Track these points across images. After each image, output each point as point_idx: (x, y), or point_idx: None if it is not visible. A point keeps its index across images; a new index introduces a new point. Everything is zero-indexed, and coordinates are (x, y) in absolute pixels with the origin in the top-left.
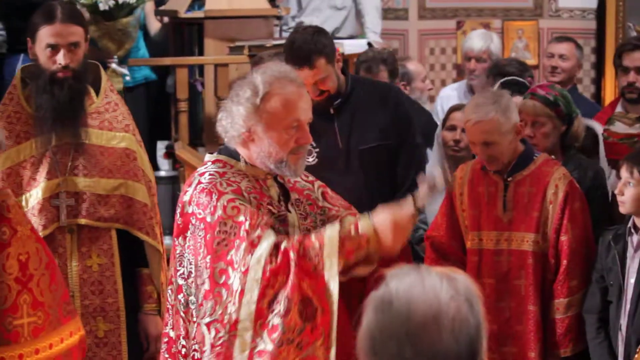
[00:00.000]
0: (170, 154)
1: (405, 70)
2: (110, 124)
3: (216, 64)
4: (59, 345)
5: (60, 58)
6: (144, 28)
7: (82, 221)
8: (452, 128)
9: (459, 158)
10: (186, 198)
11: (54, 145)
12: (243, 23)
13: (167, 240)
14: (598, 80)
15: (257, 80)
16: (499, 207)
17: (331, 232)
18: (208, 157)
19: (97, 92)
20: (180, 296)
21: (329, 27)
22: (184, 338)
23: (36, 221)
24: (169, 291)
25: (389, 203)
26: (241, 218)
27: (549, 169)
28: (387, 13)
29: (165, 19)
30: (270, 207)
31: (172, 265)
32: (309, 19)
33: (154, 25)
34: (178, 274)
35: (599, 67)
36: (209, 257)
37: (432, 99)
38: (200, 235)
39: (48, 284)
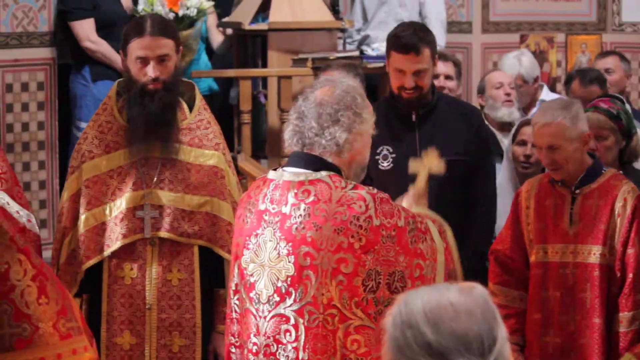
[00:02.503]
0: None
1: (482, 81)
2: (200, 141)
3: (280, 76)
4: None
5: (150, 70)
6: (206, 41)
7: (164, 235)
8: (523, 143)
9: (529, 174)
10: (371, 212)
11: (142, 158)
12: (307, 35)
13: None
14: None
15: (359, 89)
16: (565, 220)
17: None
18: (315, 173)
19: (191, 110)
20: (371, 310)
21: None
22: (375, 351)
23: (117, 230)
24: (309, 318)
25: (461, 219)
26: (411, 213)
27: (617, 182)
28: (451, 26)
29: (229, 31)
30: None
31: (350, 285)
32: (374, 33)
33: (217, 38)
34: (367, 288)
35: None
36: (407, 258)
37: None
38: (394, 242)
39: (35, 296)
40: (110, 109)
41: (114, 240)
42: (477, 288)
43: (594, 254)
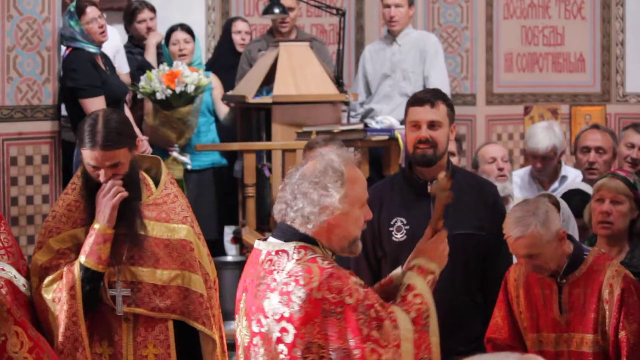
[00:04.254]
0: (237, 239)
1: (476, 156)
2: (168, 216)
3: (284, 149)
4: None
5: (102, 177)
6: (214, 113)
7: (138, 310)
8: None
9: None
10: (313, 285)
11: (114, 234)
12: (311, 108)
13: (231, 325)
14: None
15: (336, 163)
16: (555, 310)
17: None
18: (282, 244)
19: (157, 184)
20: None
21: (399, 115)
22: None
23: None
24: None
25: (476, 296)
26: (369, 301)
27: (602, 267)
28: (455, 99)
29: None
30: None
31: (290, 355)
32: (378, 107)
33: (223, 110)
34: None
35: None
36: (357, 338)
37: None
38: (339, 319)
39: None
40: (79, 188)
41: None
42: (538, 358)
43: (586, 342)
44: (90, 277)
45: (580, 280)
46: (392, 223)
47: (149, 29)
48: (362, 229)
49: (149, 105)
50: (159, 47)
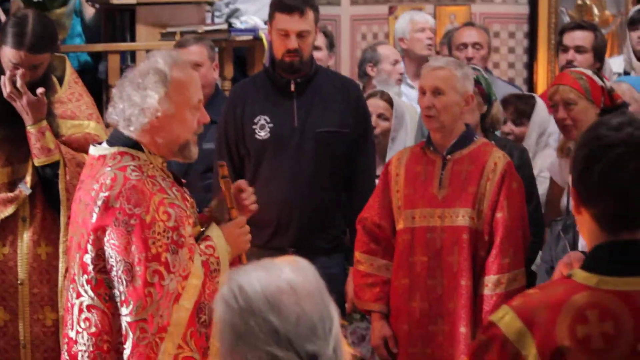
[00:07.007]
0: None
1: (374, 52)
2: (73, 113)
3: (148, 50)
4: None
5: (20, 75)
6: (80, 14)
7: (38, 209)
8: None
9: None
10: (112, 193)
11: (13, 133)
12: (175, 9)
13: None
14: (530, 65)
15: (159, 64)
16: (434, 185)
17: (221, 246)
18: (106, 149)
19: (61, 83)
20: (101, 291)
21: (264, 15)
22: (106, 333)
23: None
24: (70, 289)
25: (341, 194)
26: (172, 223)
27: (488, 149)
28: None
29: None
30: (186, 194)
31: (80, 261)
32: (244, 6)
33: (89, 12)
34: (97, 268)
35: (532, 52)
36: (142, 254)
37: None
38: (129, 231)
39: None
40: None
41: None
42: (303, 262)
43: (462, 216)
44: (49, 170)
45: (465, 158)
46: (255, 121)
47: None
48: (197, 133)
49: (17, 7)
50: None
